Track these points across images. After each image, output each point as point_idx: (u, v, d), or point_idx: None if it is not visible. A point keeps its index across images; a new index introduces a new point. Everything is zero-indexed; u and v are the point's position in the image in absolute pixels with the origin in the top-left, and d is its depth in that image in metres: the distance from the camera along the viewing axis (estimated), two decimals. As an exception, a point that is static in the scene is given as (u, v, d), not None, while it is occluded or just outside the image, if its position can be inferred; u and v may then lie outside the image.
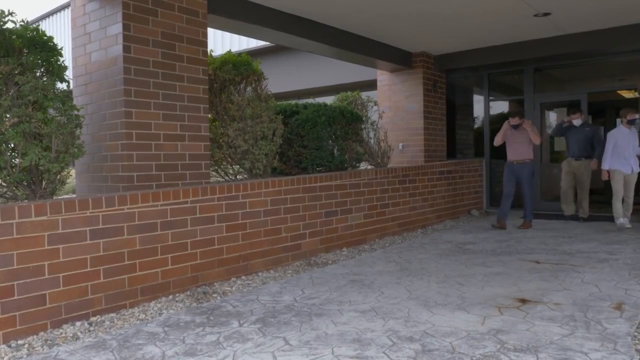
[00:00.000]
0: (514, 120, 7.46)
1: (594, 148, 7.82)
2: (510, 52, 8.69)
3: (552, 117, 9.95)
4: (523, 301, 4.05)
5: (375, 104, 8.84)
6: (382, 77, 9.78)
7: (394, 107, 9.59)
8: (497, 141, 7.66)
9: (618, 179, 7.17)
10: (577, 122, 7.93)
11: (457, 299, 4.17)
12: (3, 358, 3.14)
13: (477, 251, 6.04)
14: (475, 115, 10.41)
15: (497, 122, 10.03)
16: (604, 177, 7.42)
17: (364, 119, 8.10)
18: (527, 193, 7.55)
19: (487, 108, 10.00)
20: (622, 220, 7.22)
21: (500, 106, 10.27)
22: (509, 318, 3.66)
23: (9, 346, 3.31)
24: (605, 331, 3.36)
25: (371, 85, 10.25)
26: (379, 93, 9.81)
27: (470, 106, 10.50)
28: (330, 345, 3.24)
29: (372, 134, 8.20)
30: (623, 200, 7.35)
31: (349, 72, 10.93)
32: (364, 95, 8.65)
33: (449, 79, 10.07)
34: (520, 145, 7.46)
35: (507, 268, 5.16)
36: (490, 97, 10.01)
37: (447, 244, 6.51)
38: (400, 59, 8.98)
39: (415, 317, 3.72)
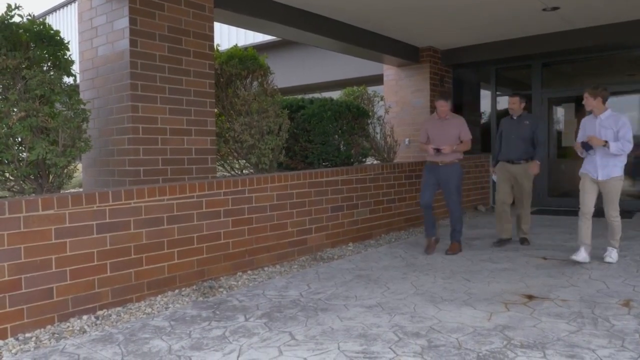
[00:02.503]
0: (442, 105, 5.69)
1: (535, 147, 6.01)
2: (518, 46, 8.63)
3: (560, 113, 9.87)
4: (530, 297, 4.03)
5: (382, 99, 8.80)
6: (389, 72, 9.74)
7: (400, 102, 9.55)
8: (422, 142, 5.96)
9: (582, 187, 5.17)
10: (511, 112, 6.15)
11: (463, 294, 4.16)
12: (11, 351, 3.16)
13: (484, 247, 6.02)
14: (482, 110, 10.35)
15: (504, 117, 9.96)
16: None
17: (370, 114, 8.07)
18: (454, 204, 5.67)
19: (494, 103, 9.94)
20: (579, 253, 5.05)
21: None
22: (515, 314, 3.64)
23: (17, 339, 3.33)
24: (613, 328, 3.34)
25: (378, 80, 10.22)
26: (385, 88, 9.77)
27: (477, 101, 10.44)
28: (336, 341, 3.23)
29: (378, 129, 8.18)
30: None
31: (356, 66, 10.89)
32: (371, 90, 8.62)
33: (456, 74, 10.01)
34: (446, 142, 5.63)
35: (513, 264, 5.14)
36: (498, 92, 9.95)
37: (453, 240, 6.48)
38: (407, 54, 8.93)
39: (422, 313, 3.71)
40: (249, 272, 4.98)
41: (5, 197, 4.08)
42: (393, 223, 7.08)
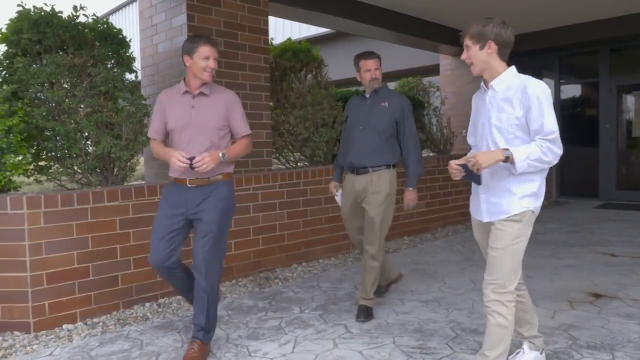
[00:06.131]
0: (207, 56, 2.94)
1: (402, 150, 3.67)
2: (583, 31, 8.18)
3: (630, 101, 9.29)
4: (597, 296, 3.83)
5: (438, 89, 8.60)
6: (445, 61, 9.49)
7: (457, 93, 9.30)
8: (153, 137, 3.12)
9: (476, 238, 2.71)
10: (370, 85, 3.62)
11: (524, 291, 4.00)
12: (80, 335, 3.33)
13: (546, 242, 5.78)
14: (544, 99, 9.91)
15: (569, 106, 9.53)
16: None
17: (425, 105, 7.91)
18: (208, 264, 2.89)
19: (557, 92, 9.50)
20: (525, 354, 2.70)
21: (573, 90, 9.72)
22: (581, 313, 3.48)
23: (85, 324, 3.51)
24: (691, 330, 3.12)
25: (433, 70, 9.99)
26: (441, 78, 9.54)
27: (539, 90, 10.00)
28: (392, 335, 3.20)
29: (434, 121, 8.01)
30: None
31: (410, 57, 10.70)
32: (426, 80, 8.44)
33: (516, 62, 9.61)
34: (201, 144, 2.96)
35: (579, 260, 4.90)
36: (561, 81, 9.49)
37: (513, 234, 6.26)
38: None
39: (480, 309, 3.61)
40: (304, 264, 5.01)
41: (74, 189, 4.29)
42: (450, 217, 6.92)
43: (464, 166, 2.40)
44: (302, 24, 9.31)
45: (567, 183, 9.39)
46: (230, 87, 5.07)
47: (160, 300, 3.96)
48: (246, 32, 5.23)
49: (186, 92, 3.00)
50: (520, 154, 2.27)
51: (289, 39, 6.77)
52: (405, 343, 3.06)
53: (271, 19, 6.34)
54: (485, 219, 2.51)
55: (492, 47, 2.39)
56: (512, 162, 2.28)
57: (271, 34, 5.97)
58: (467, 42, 2.45)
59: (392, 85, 8.56)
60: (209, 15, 4.94)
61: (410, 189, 3.63)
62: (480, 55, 2.43)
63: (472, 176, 2.40)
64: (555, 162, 2.31)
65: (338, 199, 3.77)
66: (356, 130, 3.62)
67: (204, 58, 2.92)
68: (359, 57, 3.64)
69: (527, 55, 9.48)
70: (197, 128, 2.95)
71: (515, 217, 2.37)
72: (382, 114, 3.58)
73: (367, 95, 3.67)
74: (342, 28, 7.45)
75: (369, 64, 3.58)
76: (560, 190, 9.41)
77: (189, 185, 2.95)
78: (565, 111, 9.40)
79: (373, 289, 3.59)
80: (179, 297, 4.04)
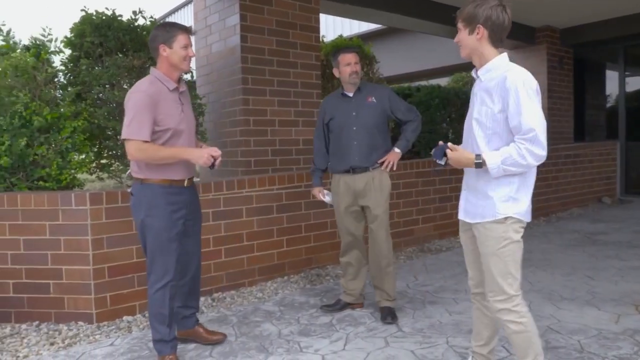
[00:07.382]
0: (182, 41, 2.79)
1: (403, 123, 3.63)
2: (652, 20, 7.72)
3: None
4: (666, 300, 3.61)
5: (493, 84, 8.36)
6: (501, 55, 9.21)
7: (513, 87, 8.99)
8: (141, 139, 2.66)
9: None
10: (350, 80, 3.49)
11: (585, 293, 3.83)
12: (139, 326, 3.45)
13: (610, 242, 5.50)
14: (607, 93, 9.45)
15: (634, 99, 9.03)
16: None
17: (480, 100, 7.70)
18: (200, 257, 3.14)
19: (622, 85, 9.01)
20: None
21: (639, 82, 9.20)
22: (649, 318, 3.29)
23: (144, 316, 3.64)
24: None
25: (488, 64, 9.70)
26: (496, 72, 9.26)
27: (602, 83, 9.54)
28: (445, 335, 3.14)
29: (489, 116, 7.78)
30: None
31: (464, 51, 10.43)
32: (480, 75, 8.21)
33: (577, 54, 9.21)
34: (193, 142, 2.98)
35: (646, 262, 4.65)
36: (627, 73, 9.00)
37: (573, 234, 6.01)
38: (521, 35, 8.38)
39: (538, 311, 3.48)
40: (355, 261, 4.99)
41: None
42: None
43: (437, 149, 2.24)
44: (353, 21, 9.28)
45: (632, 180, 8.90)
46: (281, 86, 5.14)
47: (215, 295, 4.05)
48: (297, 30, 5.26)
49: (175, 88, 2.78)
50: (494, 158, 2.11)
51: (340, 36, 6.77)
52: (458, 344, 3.00)
53: (322, 17, 6.35)
54: (461, 216, 2.37)
55: (481, 32, 2.22)
56: (483, 166, 2.14)
57: (322, 32, 5.98)
58: (459, 24, 2.30)
59: (445, 80, 8.40)
60: (261, 14, 5.00)
61: (396, 149, 3.52)
62: (469, 40, 2.26)
63: (439, 154, 2.24)
64: (537, 163, 2.09)
65: (328, 199, 3.62)
66: (349, 131, 3.48)
67: (184, 47, 2.76)
68: (337, 52, 3.57)
69: (590, 46, 9.06)
70: (189, 126, 2.85)
71: (498, 220, 2.17)
72: (373, 111, 3.49)
73: (350, 94, 3.55)
74: (393, 23, 7.37)
75: (348, 57, 3.49)
76: (624, 188, 8.94)
77: (186, 186, 2.85)
78: (630, 104, 8.90)
79: (394, 289, 3.53)
80: (233, 291, 4.13)
